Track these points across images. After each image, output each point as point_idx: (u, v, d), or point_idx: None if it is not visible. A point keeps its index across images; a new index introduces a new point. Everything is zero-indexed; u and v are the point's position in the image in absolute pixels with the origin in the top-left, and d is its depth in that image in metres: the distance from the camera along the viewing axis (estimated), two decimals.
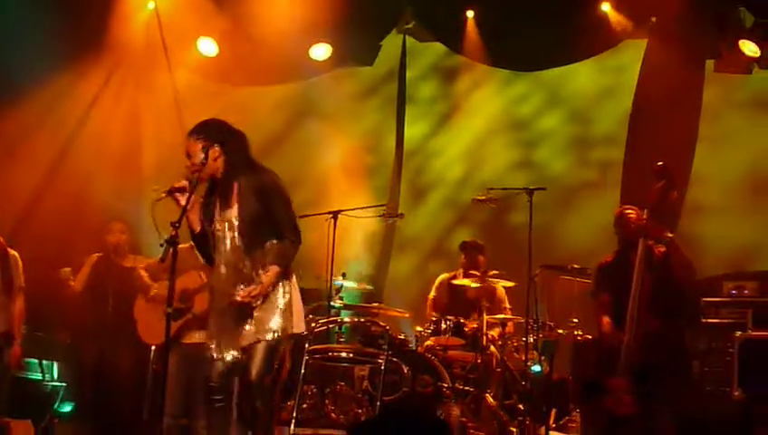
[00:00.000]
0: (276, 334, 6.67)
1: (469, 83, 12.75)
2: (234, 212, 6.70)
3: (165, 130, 11.75)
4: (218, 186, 6.76)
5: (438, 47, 12.49)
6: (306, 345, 8.89)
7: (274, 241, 6.72)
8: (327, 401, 9.52)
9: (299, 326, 6.83)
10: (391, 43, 12.31)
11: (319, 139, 12.41)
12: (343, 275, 10.17)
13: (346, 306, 10.04)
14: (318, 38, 11.79)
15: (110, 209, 10.53)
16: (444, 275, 10.70)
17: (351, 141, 12.69)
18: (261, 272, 6.67)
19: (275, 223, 6.70)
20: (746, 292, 9.55)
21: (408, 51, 12.53)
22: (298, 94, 12.55)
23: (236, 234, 6.69)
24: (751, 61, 10.78)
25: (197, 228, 6.75)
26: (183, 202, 6.62)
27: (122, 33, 11.49)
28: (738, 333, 6.95)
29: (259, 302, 6.64)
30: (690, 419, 8.18)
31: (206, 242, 6.79)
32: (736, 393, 6.81)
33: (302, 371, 8.86)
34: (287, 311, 6.71)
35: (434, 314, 10.26)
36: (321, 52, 11.81)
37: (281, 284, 6.72)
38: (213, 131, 6.70)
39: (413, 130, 12.90)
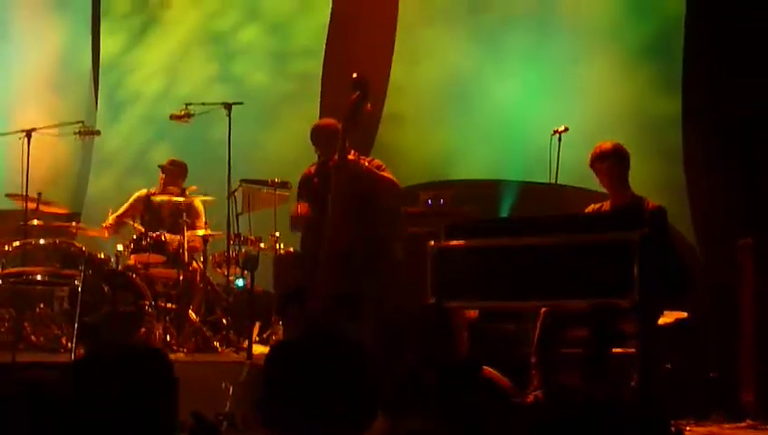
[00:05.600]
0: None
1: None
2: None
3: None
4: None
5: None
6: None
7: None
8: (26, 325, 9.32)
9: None
10: None
11: (10, 55, 11.95)
12: (39, 196, 9.90)
13: (43, 227, 9.76)
14: None
15: None
16: (141, 192, 10.54)
17: (43, 57, 12.29)
18: None
19: None
20: (441, 201, 9.85)
21: None
22: None
23: None
24: None
25: None
26: None
27: None
28: (431, 243, 7.12)
29: None
30: (388, 329, 8.39)
31: None
32: (431, 301, 7.00)
33: None
34: None
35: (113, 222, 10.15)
36: None
37: None
38: None
39: (109, 45, 12.61)
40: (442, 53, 11.29)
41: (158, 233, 9.79)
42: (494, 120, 10.75)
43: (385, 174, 8.48)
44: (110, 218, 10.24)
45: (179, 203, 9.87)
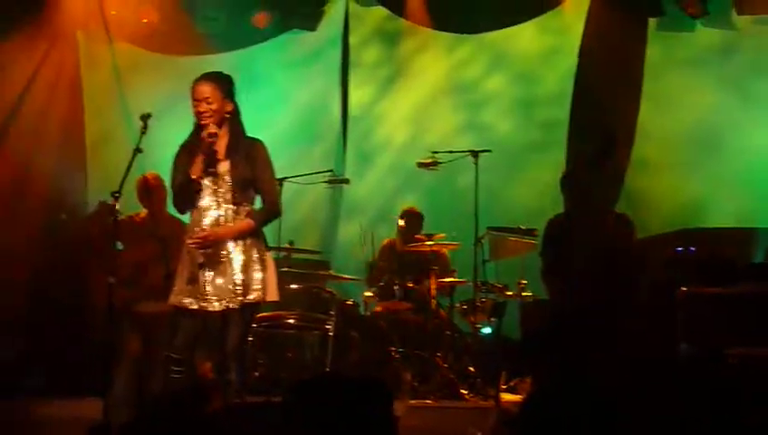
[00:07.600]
0: (259, 296, 6.57)
1: (413, 47, 12.68)
2: (225, 167, 6.62)
3: (106, 104, 11.66)
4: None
5: (381, 11, 12.43)
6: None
7: (257, 205, 6.70)
8: (278, 368, 9.52)
9: (275, 293, 6.74)
10: (334, 8, 12.26)
11: (263, 106, 12.30)
12: (291, 243, 10.13)
13: (294, 273, 9.98)
14: (260, 4, 11.75)
15: (54, 188, 10.45)
16: (385, 242, 10.71)
17: (296, 108, 12.62)
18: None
19: (261, 188, 6.69)
20: (692, 249, 9.61)
21: (350, 15, 12.48)
22: (241, 62, 12.42)
23: (225, 190, 6.59)
24: (693, 19, 10.99)
25: (195, 175, 6.55)
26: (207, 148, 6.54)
27: (61, 3, 11.26)
28: (683, 289, 6.97)
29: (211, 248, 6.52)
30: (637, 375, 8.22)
31: (191, 191, 6.60)
32: (682, 347, 6.85)
33: (251, 338, 8.84)
34: (269, 274, 6.64)
35: (380, 278, 10.25)
36: (263, 18, 11.78)
37: (263, 247, 6.66)
38: (230, 85, 6.75)
39: (358, 95, 12.84)
40: (691, 98, 11.10)
41: (404, 280, 9.90)
42: (747, 167, 10.50)
43: (629, 239, 8.36)
44: (375, 275, 10.42)
45: (426, 250, 9.95)
